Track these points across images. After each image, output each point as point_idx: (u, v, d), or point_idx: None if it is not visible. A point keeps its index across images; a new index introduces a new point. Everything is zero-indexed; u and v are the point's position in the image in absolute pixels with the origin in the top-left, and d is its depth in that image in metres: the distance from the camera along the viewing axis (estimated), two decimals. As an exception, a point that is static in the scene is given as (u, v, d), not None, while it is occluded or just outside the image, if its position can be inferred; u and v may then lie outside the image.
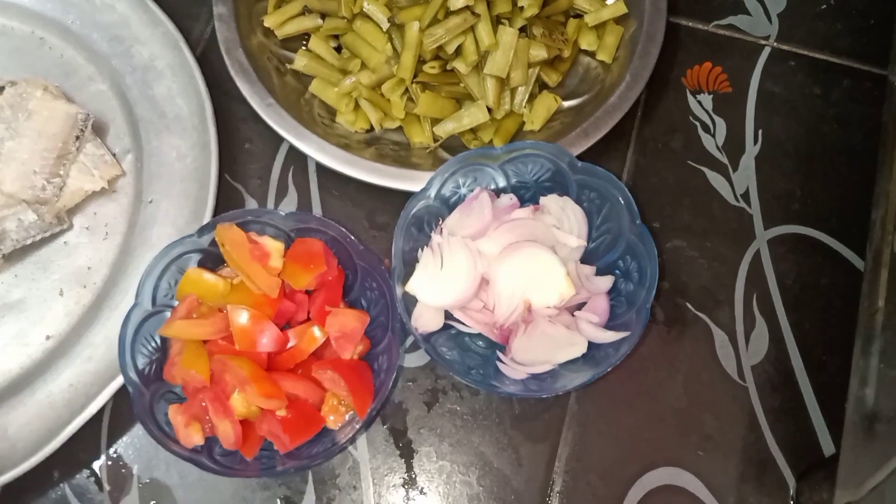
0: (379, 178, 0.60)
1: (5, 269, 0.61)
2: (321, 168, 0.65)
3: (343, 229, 0.56)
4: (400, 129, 0.65)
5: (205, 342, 0.55)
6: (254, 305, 0.55)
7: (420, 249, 0.57)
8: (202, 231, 0.56)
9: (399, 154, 0.64)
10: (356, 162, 0.61)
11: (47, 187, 0.61)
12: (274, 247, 0.57)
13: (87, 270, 0.62)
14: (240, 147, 0.67)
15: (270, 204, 0.65)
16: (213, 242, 0.56)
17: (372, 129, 0.65)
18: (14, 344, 0.59)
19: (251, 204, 0.65)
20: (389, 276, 0.55)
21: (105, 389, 0.55)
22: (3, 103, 0.62)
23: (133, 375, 0.52)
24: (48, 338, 0.60)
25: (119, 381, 0.55)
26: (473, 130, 0.64)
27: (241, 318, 0.54)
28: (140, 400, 0.52)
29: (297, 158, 0.66)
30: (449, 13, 0.60)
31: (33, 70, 0.67)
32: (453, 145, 0.65)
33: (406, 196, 0.57)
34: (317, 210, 0.65)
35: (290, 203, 0.65)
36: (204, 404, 0.53)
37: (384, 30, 0.62)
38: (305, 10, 0.66)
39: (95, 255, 0.62)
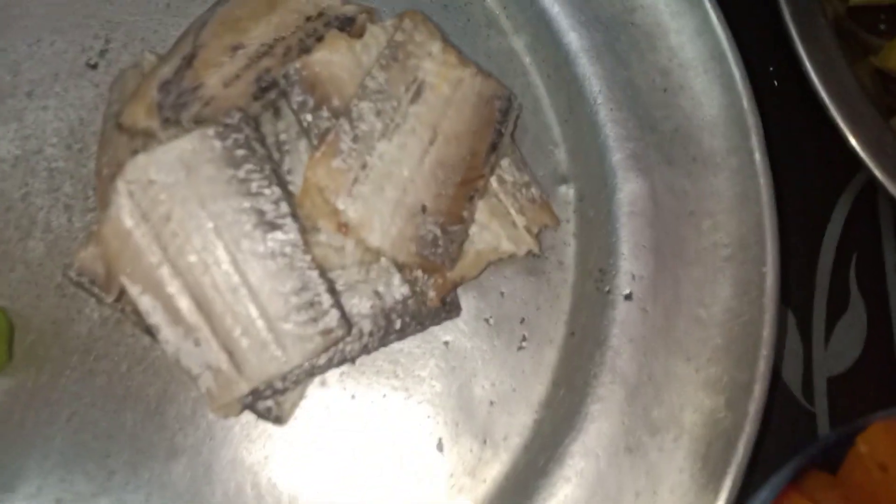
0: None
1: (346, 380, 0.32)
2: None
3: None
4: None
5: None
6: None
7: None
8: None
9: None
10: None
11: (440, 240, 0.31)
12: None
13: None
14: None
15: (819, 319, 0.35)
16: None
17: None
18: None
19: (790, 320, 0.35)
20: None
21: None
22: (375, 68, 0.32)
23: None
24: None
25: None
26: None
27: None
28: None
29: (860, 254, 0.36)
30: None
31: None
32: None
33: None
34: (902, 336, 0.35)
35: (854, 319, 0.35)
36: None
37: None
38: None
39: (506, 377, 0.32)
